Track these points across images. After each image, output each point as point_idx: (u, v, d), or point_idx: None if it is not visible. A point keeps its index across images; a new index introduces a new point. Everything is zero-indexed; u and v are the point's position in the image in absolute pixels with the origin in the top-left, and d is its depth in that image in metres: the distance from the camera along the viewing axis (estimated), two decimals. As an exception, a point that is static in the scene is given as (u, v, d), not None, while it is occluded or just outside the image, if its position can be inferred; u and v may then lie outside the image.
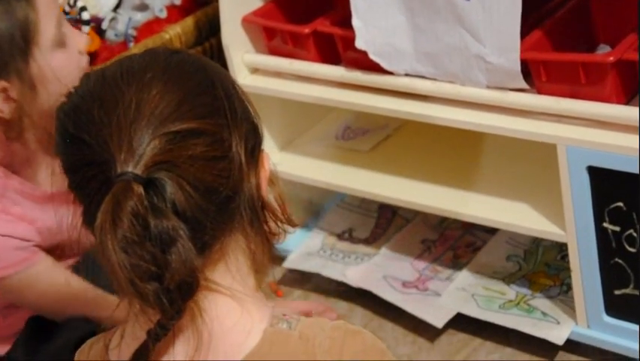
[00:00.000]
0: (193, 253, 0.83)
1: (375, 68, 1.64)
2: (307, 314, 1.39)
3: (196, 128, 0.85)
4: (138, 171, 0.82)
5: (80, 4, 1.96)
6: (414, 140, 1.94)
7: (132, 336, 0.89)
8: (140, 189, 0.81)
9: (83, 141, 0.85)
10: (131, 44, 2.01)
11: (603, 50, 1.52)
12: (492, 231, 1.90)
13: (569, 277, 1.60)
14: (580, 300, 1.60)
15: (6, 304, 1.47)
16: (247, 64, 1.86)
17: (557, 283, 1.77)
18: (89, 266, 1.44)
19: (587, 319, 1.61)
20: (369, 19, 1.59)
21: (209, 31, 2.02)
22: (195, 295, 0.85)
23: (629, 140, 1.41)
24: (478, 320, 1.74)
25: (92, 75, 0.90)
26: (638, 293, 1.53)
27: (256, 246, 0.91)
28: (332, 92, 1.75)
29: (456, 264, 1.89)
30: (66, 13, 1.97)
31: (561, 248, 1.82)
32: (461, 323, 1.77)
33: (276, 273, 1.98)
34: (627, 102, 1.44)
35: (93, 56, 2.00)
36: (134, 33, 2.04)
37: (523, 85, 1.49)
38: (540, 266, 1.82)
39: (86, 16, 1.97)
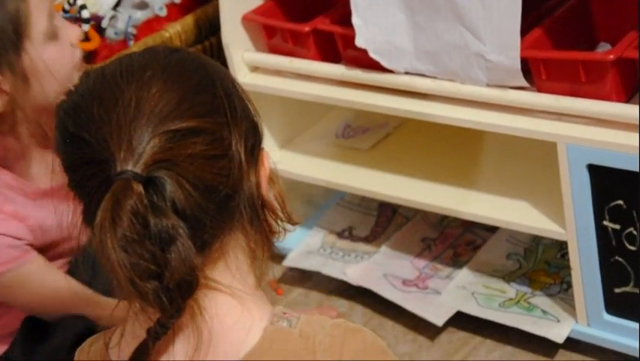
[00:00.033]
0: (193, 252, 0.83)
1: (375, 67, 1.64)
2: None
3: (196, 126, 0.85)
4: (138, 169, 0.82)
5: (79, 2, 1.96)
6: (414, 138, 1.94)
7: (132, 335, 0.89)
8: (139, 188, 0.81)
9: (83, 140, 0.85)
10: (131, 43, 2.01)
11: (603, 48, 1.52)
12: (492, 229, 1.90)
13: (569, 275, 1.60)
14: (580, 298, 1.60)
15: None
16: (247, 62, 1.86)
17: (557, 281, 1.77)
18: (84, 265, 1.43)
19: (587, 317, 1.61)
20: (369, 17, 1.59)
21: (209, 29, 2.02)
22: (195, 294, 0.85)
23: (629, 138, 1.41)
24: (478, 318, 1.74)
25: (91, 74, 0.90)
26: (638, 291, 1.53)
27: (256, 244, 0.91)
28: (332, 91, 1.75)
29: (456, 262, 1.89)
30: (66, 12, 1.97)
31: (561, 246, 1.82)
32: (461, 321, 1.77)
33: (276, 271, 1.98)
34: (627, 100, 1.44)
35: (93, 55, 2.00)
36: (134, 31, 2.04)
37: (523, 83, 1.49)
38: (540, 264, 1.82)
39: (85, 14, 1.97)
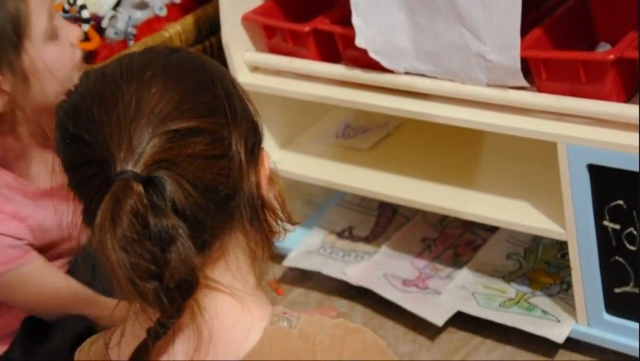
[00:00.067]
0: (193, 252, 0.83)
1: (375, 67, 1.64)
2: None
3: (196, 126, 0.85)
4: (138, 169, 0.82)
5: (79, 2, 1.96)
6: (414, 138, 1.94)
7: (132, 335, 0.89)
8: (139, 188, 0.81)
9: (83, 140, 0.85)
10: (131, 43, 2.01)
11: (603, 48, 1.52)
12: (492, 229, 1.90)
13: (569, 275, 1.60)
14: (580, 298, 1.60)
15: None
16: (247, 62, 1.86)
17: (557, 281, 1.77)
18: (84, 265, 1.43)
19: (587, 317, 1.61)
20: (369, 17, 1.59)
21: (209, 29, 2.02)
22: (195, 294, 0.85)
23: (629, 138, 1.41)
24: (479, 319, 1.74)
25: (91, 74, 0.90)
26: (638, 291, 1.53)
27: (256, 244, 0.91)
28: (332, 91, 1.75)
29: (456, 262, 1.89)
30: (66, 12, 1.97)
31: (561, 246, 1.82)
32: (461, 321, 1.77)
33: (276, 271, 1.98)
34: (627, 100, 1.44)
35: (93, 55, 2.00)
36: (134, 31, 2.04)
37: (524, 83, 1.49)
38: (540, 264, 1.82)
39: (85, 14, 1.97)
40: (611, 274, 1.54)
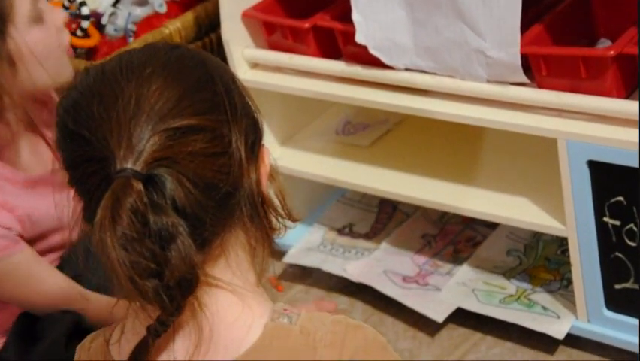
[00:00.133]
0: (193, 250, 0.83)
1: (376, 63, 1.64)
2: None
3: (196, 124, 0.84)
4: (138, 167, 0.82)
5: (79, -1, 1.96)
6: (414, 135, 1.94)
7: (132, 332, 0.89)
8: (139, 186, 0.81)
9: (83, 137, 0.85)
10: (131, 39, 2.01)
11: (604, 44, 1.52)
12: (492, 225, 1.90)
13: (570, 271, 1.60)
14: (580, 294, 1.60)
15: None
16: (247, 59, 1.86)
17: (558, 277, 1.77)
18: (74, 261, 1.42)
19: (587, 313, 1.61)
20: (369, 13, 1.59)
21: (209, 26, 2.02)
22: (196, 291, 0.84)
23: (629, 134, 1.41)
24: (479, 315, 1.74)
25: (91, 70, 0.90)
26: (638, 287, 1.53)
27: (256, 241, 0.91)
28: (332, 87, 1.75)
29: (456, 259, 1.89)
30: (65, 8, 1.97)
31: (561, 242, 1.82)
32: (461, 317, 1.77)
33: (277, 268, 1.98)
34: (627, 96, 1.44)
35: (93, 51, 2.00)
36: (134, 28, 2.03)
37: (524, 79, 1.49)
38: (540, 261, 1.82)
39: (85, 10, 1.97)
40: (611, 271, 1.54)
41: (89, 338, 0.98)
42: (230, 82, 0.91)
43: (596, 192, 1.48)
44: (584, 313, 1.62)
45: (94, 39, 1.98)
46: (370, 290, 1.86)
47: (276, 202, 0.94)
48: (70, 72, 1.43)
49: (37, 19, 1.36)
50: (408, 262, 1.91)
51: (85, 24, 1.97)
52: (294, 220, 0.96)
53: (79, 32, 1.98)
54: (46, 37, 1.37)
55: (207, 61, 0.91)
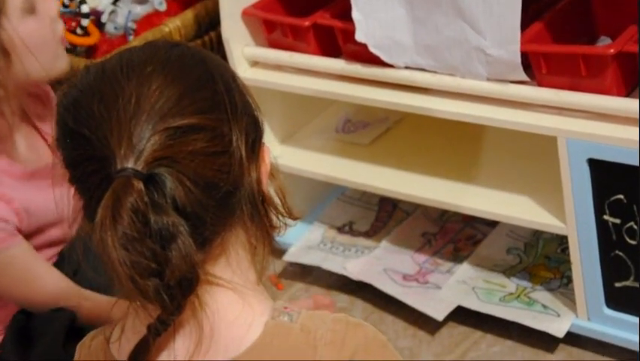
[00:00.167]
0: (193, 249, 0.83)
1: (376, 61, 1.64)
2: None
3: (196, 123, 0.84)
4: (138, 166, 0.82)
5: (79, -3, 1.96)
6: (414, 133, 1.94)
7: (132, 330, 0.89)
8: (140, 185, 0.81)
9: (83, 136, 0.85)
10: (131, 37, 2.01)
11: (604, 42, 1.52)
12: (492, 224, 1.90)
13: (570, 269, 1.60)
14: (580, 293, 1.60)
15: None
16: (247, 57, 1.86)
17: (558, 275, 1.77)
18: (70, 259, 1.41)
19: (587, 311, 1.61)
20: (369, 11, 1.59)
21: (209, 24, 2.02)
22: (196, 290, 0.84)
23: (629, 132, 1.41)
24: (479, 313, 1.74)
25: (91, 69, 0.89)
26: (638, 286, 1.53)
27: (256, 240, 0.91)
28: (332, 85, 1.75)
29: (456, 257, 1.89)
30: (65, 6, 1.97)
31: (561, 241, 1.82)
32: (462, 315, 1.77)
33: (277, 266, 1.98)
34: (627, 94, 1.44)
35: (93, 49, 2.00)
36: (134, 26, 2.03)
37: (524, 77, 1.49)
38: (540, 259, 1.82)
39: (85, 9, 1.97)
40: (611, 269, 1.54)
41: (89, 336, 0.98)
42: (231, 80, 0.91)
43: (596, 190, 1.48)
44: (584, 311, 1.62)
45: (94, 37, 1.98)
46: (370, 288, 1.86)
47: (277, 200, 0.94)
48: (66, 63, 1.43)
49: (30, 9, 1.35)
50: (408, 260, 1.91)
51: (85, 22, 1.97)
52: (294, 218, 0.96)
53: (79, 30, 1.98)
54: (39, 28, 1.36)
55: (207, 59, 0.91)
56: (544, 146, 1.58)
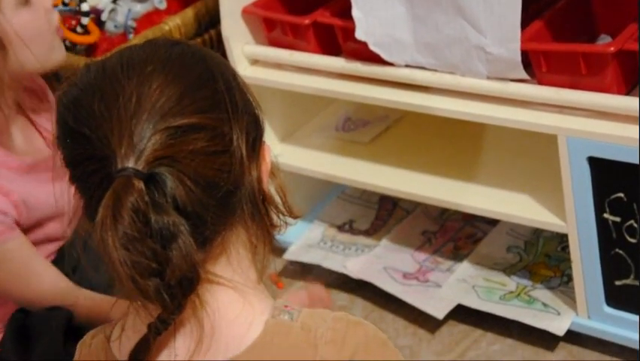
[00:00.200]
0: (194, 249, 0.82)
1: (376, 59, 1.64)
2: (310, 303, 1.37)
3: (197, 123, 0.84)
4: (139, 166, 0.81)
5: (79, -5, 1.96)
6: (414, 131, 1.94)
7: (133, 329, 0.89)
8: (140, 185, 0.81)
9: (84, 135, 0.84)
10: (131, 36, 2.01)
11: (604, 40, 1.52)
12: (493, 222, 1.90)
13: (570, 268, 1.60)
14: (580, 291, 1.60)
15: None
16: (247, 55, 1.86)
17: (558, 274, 1.77)
18: (68, 257, 1.41)
19: (587, 310, 1.61)
20: (369, 10, 1.59)
21: (209, 22, 2.02)
22: (197, 289, 0.84)
23: (629, 130, 1.41)
24: (479, 311, 1.74)
25: (92, 67, 0.89)
26: (638, 284, 1.53)
27: (257, 239, 0.91)
28: (332, 84, 1.75)
29: (456, 255, 1.89)
30: (65, 4, 1.97)
31: (562, 239, 1.82)
32: (462, 314, 1.77)
33: (277, 265, 1.98)
34: (628, 92, 1.44)
35: (93, 48, 2.00)
36: (134, 24, 2.03)
37: (524, 75, 1.49)
38: (540, 257, 1.83)
39: (85, 7, 1.97)
40: (611, 267, 1.54)
41: (89, 334, 0.98)
42: (231, 79, 0.91)
43: (596, 188, 1.48)
44: (584, 309, 1.62)
45: (94, 36, 1.98)
46: (370, 287, 1.86)
47: (277, 199, 0.94)
48: (62, 54, 1.42)
49: (24, 1, 1.35)
50: (408, 258, 1.91)
51: (85, 21, 1.96)
52: (294, 217, 0.96)
53: (79, 29, 1.98)
54: (34, 20, 1.36)
55: (208, 58, 0.91)
56: (544, 144, 1.58)
